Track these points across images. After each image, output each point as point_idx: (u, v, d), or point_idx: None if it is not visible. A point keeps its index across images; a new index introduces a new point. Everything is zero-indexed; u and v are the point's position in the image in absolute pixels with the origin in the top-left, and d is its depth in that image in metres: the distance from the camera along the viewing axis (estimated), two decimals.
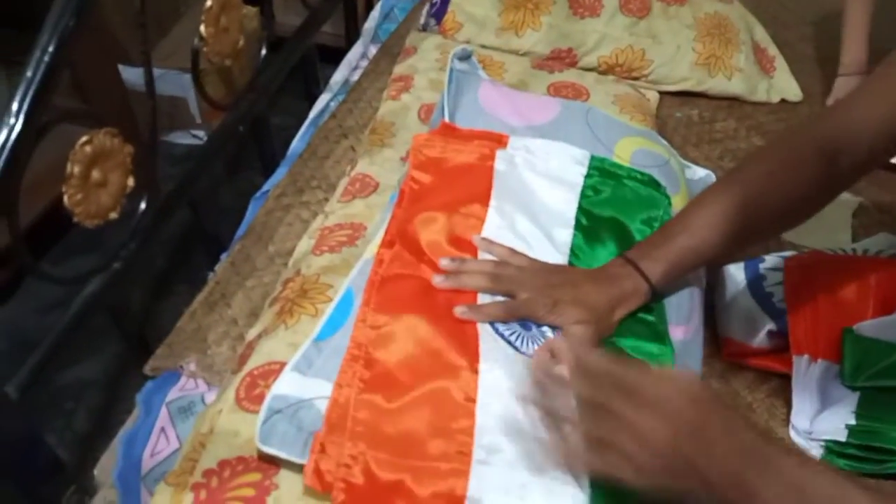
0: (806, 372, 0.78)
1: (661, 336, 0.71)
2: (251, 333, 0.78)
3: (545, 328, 0.68)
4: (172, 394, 0.76)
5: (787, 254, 0.85)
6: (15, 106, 0.60)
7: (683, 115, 1.15)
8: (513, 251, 0.73)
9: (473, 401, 0.61)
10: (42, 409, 1.36)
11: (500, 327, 0.67)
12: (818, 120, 0.71)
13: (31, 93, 0.61)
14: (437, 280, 0.69)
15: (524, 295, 0.68)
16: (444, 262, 0.71)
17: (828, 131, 0.69)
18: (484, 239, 0.75)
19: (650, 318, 0.72)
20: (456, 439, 0.58)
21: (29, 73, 0.61)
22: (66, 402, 1.41)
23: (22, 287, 1.55)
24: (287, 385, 0.63)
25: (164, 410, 0.74)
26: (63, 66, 0.64)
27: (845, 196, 1.02)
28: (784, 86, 1.19)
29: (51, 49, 0.61)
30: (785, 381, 0.80)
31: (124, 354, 1.39)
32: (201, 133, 1.80)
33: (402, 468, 0.57)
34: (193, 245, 1.56)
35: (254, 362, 0.71)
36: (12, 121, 0.59)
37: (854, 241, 0.95)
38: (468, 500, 0.56)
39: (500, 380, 0.62)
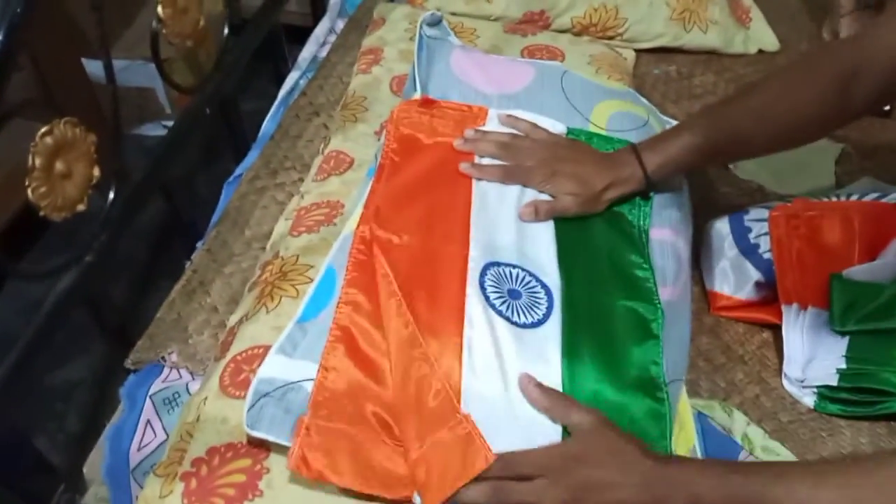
0: (796, 321, 0.77)
1: (650, 297, 0.70)
2: (232, 319, 0.77)
3: (534, 292, 0.67)
4: (156, 385, 0.75)
5: (771, 205, 0.85)
6: None
7: (661, 71, 1.13)
8: (535, 126, 0.81)
9: (458, 380, 0.60)
10: (32, 412, 1.35)
11: (490, 294, 0.66)
12: (841, 43, 0.72)
13: None
14: (457, 143, 0.79)
15: (528, 164, 0.76)
16: (467, 133, 0.79)
17: (847, 55, 0.71)
18: (510, 116, 0.82)
19: (645, 275, 0.71)
20: (438, 417, 0.58)
21: None
22: (56, 404, 1.40)
23: (4, 290, 1.53)
24: (273, 368, 0.62)
25: (148, 403, 0.73)
26: (15, 54, 0.61)
27: (828, 143, 1.02)
28: (761, 36, 1.17)
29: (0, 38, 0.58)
30: (775, 331, 0.80)
31: (111, 352, 1.38)
32: (171, 123, 1.76)
33: (386, 447, 0.58)
34: (174, 238, 1.54)
35: (237, 348, 0.69)
36: None
37: (838, 188, 0.95)
38: None
39: (483, 351, 0.61)
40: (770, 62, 1.17)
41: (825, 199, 0.85)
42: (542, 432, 0.58)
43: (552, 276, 0.68)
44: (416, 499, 0.56)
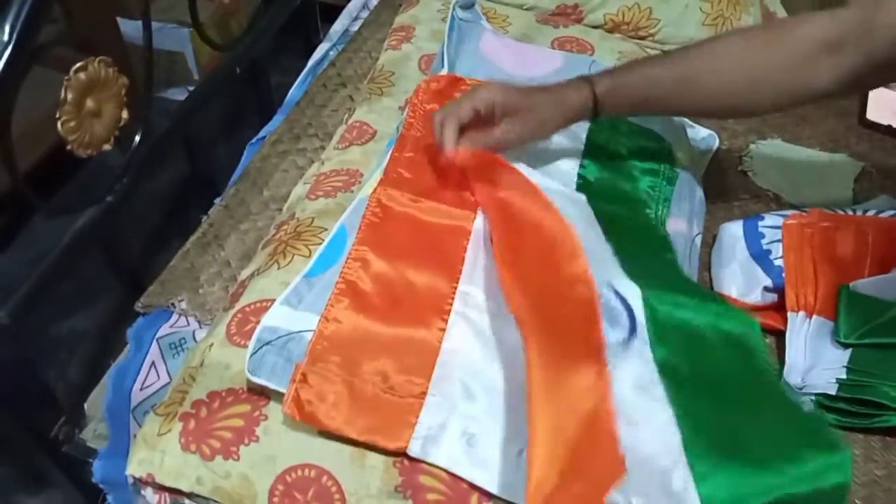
0: (800, 328, 0.77)
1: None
2: (244, 273, 0.78)
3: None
4: (164, 330, 0.76)
5: (787, 213, 0.85)
6: (7, 27, 0.59)
7: None
8: None
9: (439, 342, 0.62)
10: (36, 356, 1.36)
11: None
12: (835, 12, 0.67)
13: (23, 14, 0.60)
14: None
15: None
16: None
17: (835, 25, 0.67)
18: None
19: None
20: (414, 380, 0.60)
21: None
22: (60, 353, 1.41)
23: (18, 240, 1.55)
24: (277, 318, 0.63)
25: (154, 345, 0.74)
26: None
27: (848, 160, 1.02)
28: None
29: None
30: (779, 338, 0.80)
31: (118, 304, 1.40)
32: None
33: (383, 398, 0.58)
34: (189, 200, 1.56)
35: (246, 300, 0.70)
36: (5, 39, 0.58)
37: (855, 204, 0.95)
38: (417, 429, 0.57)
39: (471, 314, 0.63)
40: None
41: (841, 212, 0.85)
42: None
43: None
44: (412, 448, 0.57)
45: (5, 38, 0.59)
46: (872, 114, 1.07)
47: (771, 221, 0.85)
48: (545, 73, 0.89)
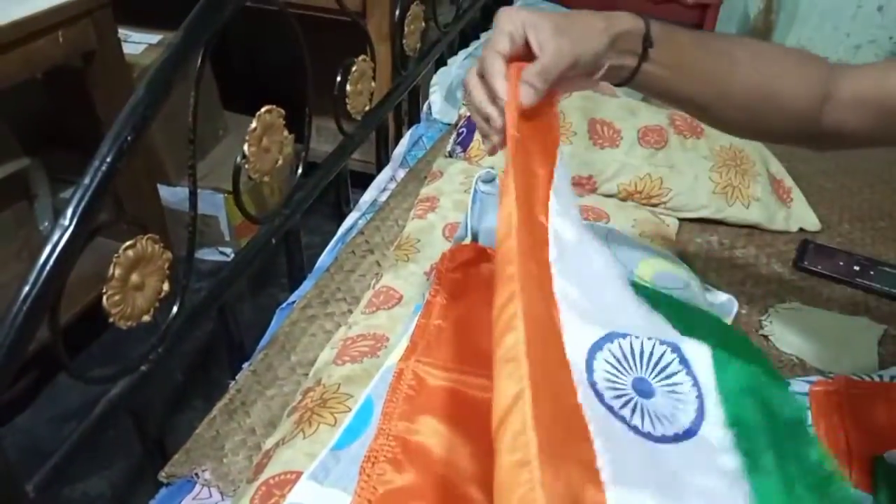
0: None
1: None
2: (269, 442, 0.78)
3: (673, 391, 0.59)
4: (186, 502, 0.75)
5: (812, 378, 0.84)
6: (70, 210, 0.64)
7: (703, 240, 1.17)
8: None
9: None
10: None
11: (606, 397, 0.53)
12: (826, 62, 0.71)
13: (86, 198, 0.65)
14: None
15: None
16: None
17: (826, 74, 0.69)
18: None
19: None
20: None
21: (86, 181, 0.65)
22: None
23: (37, 400, 1.56)
24: (303, 494, 0.63)
25: None
26: (116, 175, 0.68)
27: (870, 323, 1.02)
28: (802, 215, 1.21)
29: (108, 159, 0.66)
30: None
31: (131, 470, 1.38)
32: (228, 250, 1.87)
33: None
34: (212, 361, 1.58)
35: (270, 471, 0.70)
36: (66, 223, 0.63)
37: (881, 369, 0.94)
38: None
39: None
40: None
41: (867, 379, 0.85)
42: None
43: None
44: None
45: (66, 221, 0.63)
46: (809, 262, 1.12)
47: (797, 388, 0.84)
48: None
